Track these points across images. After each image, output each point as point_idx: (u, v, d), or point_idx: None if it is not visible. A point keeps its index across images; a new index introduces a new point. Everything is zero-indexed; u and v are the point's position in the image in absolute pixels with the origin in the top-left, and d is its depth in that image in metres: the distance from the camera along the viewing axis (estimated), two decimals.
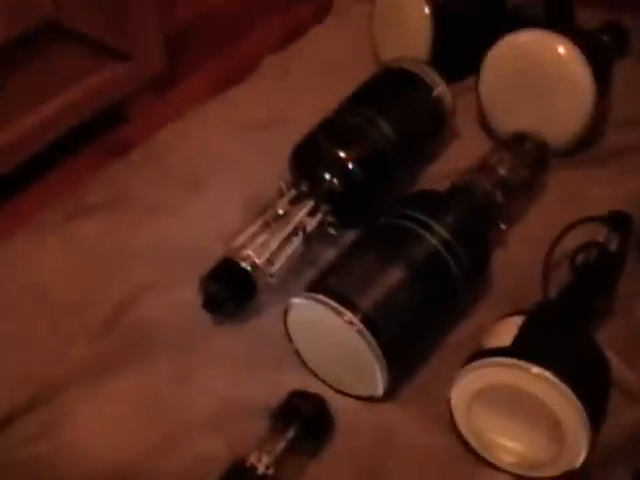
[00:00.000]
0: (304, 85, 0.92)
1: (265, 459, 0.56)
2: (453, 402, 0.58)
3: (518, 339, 0.55)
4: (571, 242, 0.67)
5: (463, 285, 0.64)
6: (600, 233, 0.68)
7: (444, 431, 0.60)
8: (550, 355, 0.54)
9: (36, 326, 0.69)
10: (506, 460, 0.58)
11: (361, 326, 0.58)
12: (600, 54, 0.79)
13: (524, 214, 0.75)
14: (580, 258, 0.66)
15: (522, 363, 0.53)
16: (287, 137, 0.76)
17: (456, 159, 0.79)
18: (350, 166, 0.71)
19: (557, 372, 0.53)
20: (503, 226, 0.70)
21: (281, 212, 0.69)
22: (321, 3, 1.03)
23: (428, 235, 0.64)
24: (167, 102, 0.94)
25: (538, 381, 0.53)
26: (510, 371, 0.54)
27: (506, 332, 0.56)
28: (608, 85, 0.79)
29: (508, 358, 0.54)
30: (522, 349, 0.54)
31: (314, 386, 0.63)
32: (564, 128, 0.78)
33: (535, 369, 0.53)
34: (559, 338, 0.57)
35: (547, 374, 0.53)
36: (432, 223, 0.64)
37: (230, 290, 0.66)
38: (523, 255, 0.71)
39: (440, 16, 0.84)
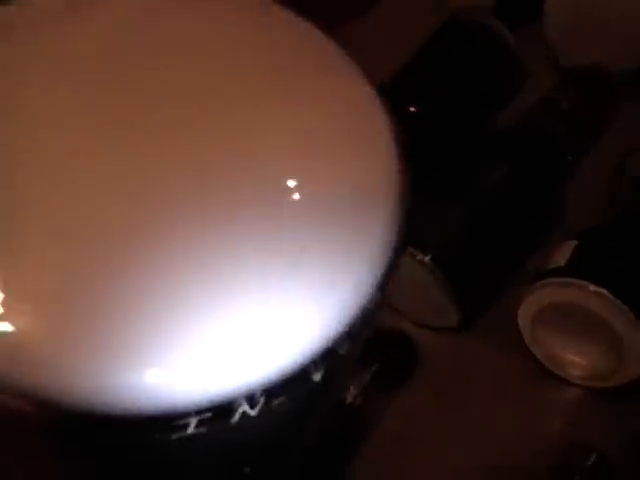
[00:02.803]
0: (380, 52, 0.95)
1: (353, 390, 0.61)
2: (520, 324, 0.62)
3: (571, 260, 0.58)
4: None
5: (532, 217, 0.67)
6: None
7: (519, 354, 0.63)
8: (598, 271, 0.57)
9: None
10: (575, 374, 0.61)
11: (432, 265, 0.63)
12: None
13: (593, 145, 0.75)
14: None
15: (576, 281, 0.56)
16: None
17: (528, 100, 0.79)
18: (421, 119, 0.75)
19: (606, 286, 0.55)
20: (570, 158, 0.72)
21: None
22: None
23: (494, 173, 0.67)
24: None
25: (593, 297, 0.56)
26: (564, 289, 0.57)
27: (563, 254, 0.60)
28: None
29: (561, 278, 0.57)
30: (575, 268, 0.57)
31: (402, 325, 0.67)
32: (627, 55, 0.79)
33: (592, 287, 0.56)
34: (611, 256, 0.60)
35: (602, 290, 0.56)
36: (497, 161, 0.67)
37: None
38: (593, 184, 0.72)
39: None
